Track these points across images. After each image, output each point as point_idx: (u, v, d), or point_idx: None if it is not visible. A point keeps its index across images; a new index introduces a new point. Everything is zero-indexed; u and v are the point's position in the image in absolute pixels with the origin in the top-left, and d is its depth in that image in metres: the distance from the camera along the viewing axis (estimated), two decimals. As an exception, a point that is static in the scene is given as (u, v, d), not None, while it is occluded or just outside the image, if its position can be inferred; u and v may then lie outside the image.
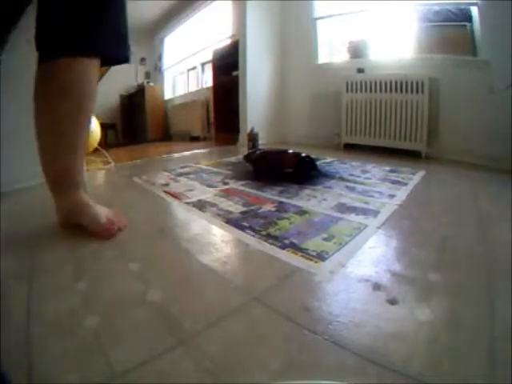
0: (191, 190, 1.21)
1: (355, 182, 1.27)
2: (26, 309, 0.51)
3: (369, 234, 0.77)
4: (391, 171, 1.52)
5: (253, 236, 0.78)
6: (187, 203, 1.05)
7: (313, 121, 3.08)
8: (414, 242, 0.74)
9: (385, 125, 2.48)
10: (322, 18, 3.05)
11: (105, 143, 3.59)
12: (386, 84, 2.44)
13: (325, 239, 0.74)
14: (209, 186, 1.27)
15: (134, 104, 5.32)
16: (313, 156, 1.50)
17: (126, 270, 0.64)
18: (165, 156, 2.40)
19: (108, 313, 0.50)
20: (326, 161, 1.87)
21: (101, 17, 0.70)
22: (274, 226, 0.83)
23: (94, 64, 0.73)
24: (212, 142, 3.56)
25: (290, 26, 3.16)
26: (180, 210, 1.03)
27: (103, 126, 3.53)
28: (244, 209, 0.97)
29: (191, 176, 1.48)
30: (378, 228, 0.81)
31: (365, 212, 0.91)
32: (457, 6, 2.43)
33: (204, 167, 1.70)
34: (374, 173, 1.47)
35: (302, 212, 0.92)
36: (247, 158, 1.59)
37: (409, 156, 2.24)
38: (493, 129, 2.03)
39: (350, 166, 1.65)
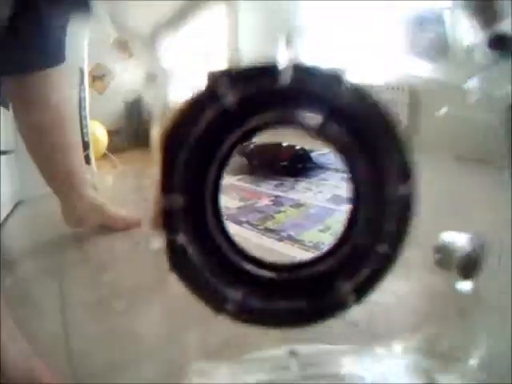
0: None
1: None
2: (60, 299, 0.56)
3: None
4: None
5: (251, 230, 0.80)
6: None
7: None
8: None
9: None
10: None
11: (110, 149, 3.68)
12: None
13: (321, 231, 0.76)
14: None
15: (136, 110, 5.59)
16: (307, 147, 1.52)
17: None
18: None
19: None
20: (321, 152, 1.89)
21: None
22: (271, 219, 0.85)
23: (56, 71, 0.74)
24: None
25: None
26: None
27: (109, 132, 3.61)
28: (241, 204, 0.99)
29: None
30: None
31: None
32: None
33: None
34: None
35: (298, 205, 0.94)
36: (241, 151, 1.60)
37: None
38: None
39: None
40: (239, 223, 0.83)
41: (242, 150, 1.63)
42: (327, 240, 0.70)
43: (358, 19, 2.05)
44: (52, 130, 0.75)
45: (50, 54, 0.78)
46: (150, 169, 0.25)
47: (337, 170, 1.37)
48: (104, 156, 2.95)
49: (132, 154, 4.28)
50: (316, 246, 0.67)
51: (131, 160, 3.17)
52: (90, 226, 0.83)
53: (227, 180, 1.31)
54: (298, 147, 1.43)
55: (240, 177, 1.34)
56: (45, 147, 0.77)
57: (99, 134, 3.37)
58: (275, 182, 1.22)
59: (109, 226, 0.83)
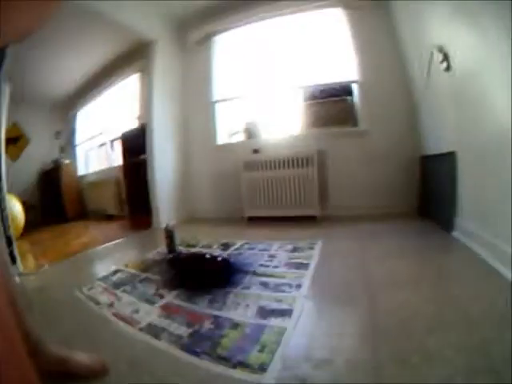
0: (137, 312, 1.37)
1: (266, 275, 1.65)
2: None
3: (289, 336, 1.10)
4: (293, 250, 2.02)
5: (209, 361, 1.02)
6: (141, 329, 1.22)
7: (217, 197, 3.61)
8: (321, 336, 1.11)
9: (282, 197, 3.10)
10: (219, 101, 3.65)
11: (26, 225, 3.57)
12: (279, 161, 3.05)
13: (260, 351, 1.04)
14: (148, 301, 1.46)
15: (50, 181, 5.25)
16: (225, 255, 1.89)
17: None
18: (90, 251, 2.57)
19: None
20: (236, 246, 2.25)
21: None
22: (219, 346, 1.08)
23: None
24: (127, 223, 3.94)
25: (191, 108, 3.73)
26: (140, 341, 1.16)
27: (25, 206, 3.53)
28: (189, 330, 1.19)
29: (127, 288, 1.64)
30: (294, 329, 1.14)
31: (282, 313, 1.24)
32: (339, 84, 3.22)
33: (133, 271, 1.89)
34: (279, 258, 1.91)
35: (234, 325, 1.20)
36: (171, 264, 1.84)
37: (306, 220, 2.91)
38: (375, 184, 2.94)
39: (258, 252, 2.08)
40: (197, 355, 1.05)
41: (171, 261, 1.86)
42: (267, 360, 1.00)
43: (274, 96, 3.58)
44: None
45: None
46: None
47: (255, 273, 1.72)
48: (23, 235, 2.97)
49: (50, 230, 4.06)
50: (261, 368, 0.96)
51: (50, 237, 3.24)
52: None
53: (167, 297, 1.49)
54: (219, 258, 1.75)
55: (176, 292, 1.54)
56: None
57: (16, 211, 3.27)
58: (208, 297, 1.46)
59: (75, 374, 0.93)
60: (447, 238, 1.94)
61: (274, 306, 1.32)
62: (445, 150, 2.08)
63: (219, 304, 1.39)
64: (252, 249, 2.18)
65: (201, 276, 1.61)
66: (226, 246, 2.29)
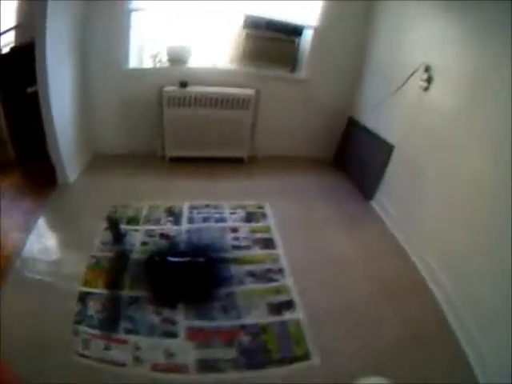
0: (171, 355, 1.44)
1: (246, 261, 1.96)
2: None
3: (304, 324, 1.62)
4: (248, 219, 2.36)
5: (275, 366, 1.43)
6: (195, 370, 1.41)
7: (129, 131, 2.94)
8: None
9: (209, 137, 2.81)
10: (136, 10, 2.52)
11: None
12: (210, 100, 2.62)
13: (297, 344, 1.53)
14: (166, 334, 1.53)
15: None
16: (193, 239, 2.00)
17: None
18: None
19: None
20: (185, 214, 2.35)
21: None
22: (271, 351, 1.48)
23: None
24: (18, 176, 2.68)
25: (98, 15, 2.43)
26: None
27: None
28: (234, 349, 1.48)
29: (128, 325, 1.56)
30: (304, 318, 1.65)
31: (287, 305, 1.71)
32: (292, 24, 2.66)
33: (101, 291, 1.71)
34: (242, 233, 2.21)
35: (263, 329, 1.57)
36: (150, 271, 1.77)
37: (232, 162, 2.98)
38: (301, 131, 3.09)
39: (215, 224, 2.29)
40: (263, 366, 1.42)
41: (148, 268, 1.81)
42: (305, 348, 1.52)
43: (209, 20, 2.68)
44: None
45: None
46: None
47: (236, 260, 1.96)
48: None
49: None
50: (307, 356, 1.50)
51: None
52: None
53: (181, 322, 1.59)
54: (201, 259, 1.84)
55: (179, 311, 1.62)
56: None
57: None
58: (218, 306, 1.67)
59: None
60: (366, 205, 2.66)
61: (277, 299, 1.76)
62: (381, 134, 2.48)
63: (234, 312, 1.66)
64: (201, 214, 2.35)
65: (196, 285, 1.73)
66: (174, 217, 2.27)
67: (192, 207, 2.45)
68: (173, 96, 2.60)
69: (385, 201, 2.49)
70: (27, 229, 2.05)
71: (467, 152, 1.72)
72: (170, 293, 1.71)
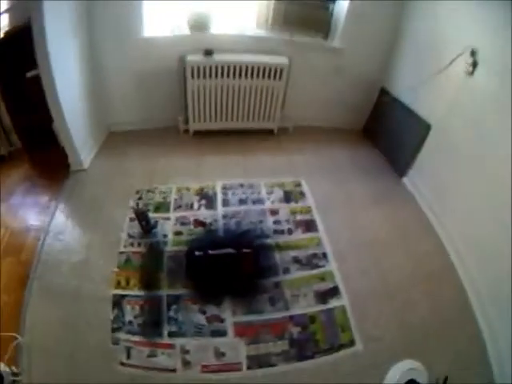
0: (222, 354, 1.41)
1: (290, 247, 1.85)
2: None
3: (349, 310, 1.60)
4: (287, 199, 2.19)
5: (325, 355, 1.43)
6: (249, 368, 1.38)
7: (146, 105, 2.66)
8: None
9: (237, 109, 2.56)
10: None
11: None
12: (240, 69, 2.33)
13: (342, 331, 1.52)
14: (214, 333, 1.47)
15: None
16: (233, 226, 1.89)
17: None
18: None
19: None
20: (220, 197, 2.17)
21: None
22: (319, 342, 1.48)
23: None
24: (29, 166, 2.38)
25: None
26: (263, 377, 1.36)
27: None
28: (286, 342, 1.46)
29: (172, 328, 1.48)
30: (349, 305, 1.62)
31: (332, 292, 1.66)
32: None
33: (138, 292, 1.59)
34: (282, 215, 2.06)
35: (312, 319, 1.55)
36: (192, 266, 1.64)
37: (262, 134, 2.75)
38: (332, 100, 2.85)
39: (253, 207, 2.12)
40: (312, 357, 1.43)
41: (190, 263, 1.69)
42: (350, 334, 1.52)
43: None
44: None
45: None
46: None
47: (278, 246, 1.86)
48: None
49: None
50: (352, 342, 1.50)
51: None
52: None
53: (228, 319, 1.55)
54: (245, 250, 1.71)
55: (225, 307, 1.57)
56: None
57: None
58: (266, 298, 1.62)
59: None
60: (399, 182, 2.51)
61: (323, 287, 1.70)
62: (418, 111, 2.32)
63: (281, 303, 1.61)
64: (236, 195, 2.16)
65: (241, 278, 1.63)
66: (207, 200, 2.08)
67: (225, 188, 2.24)
68: (197, 65, 2.28)
69: (417, 179, 2.40)
70: (45, 227, 1.84)
71: (507, 141, 1.58)
72: (214, 288, 1.61)
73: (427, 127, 2.21)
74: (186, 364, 1.39)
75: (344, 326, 1.57)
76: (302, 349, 1.47)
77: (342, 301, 1.67)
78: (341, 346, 1.50)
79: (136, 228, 1.83)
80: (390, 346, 1.52)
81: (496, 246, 1.62)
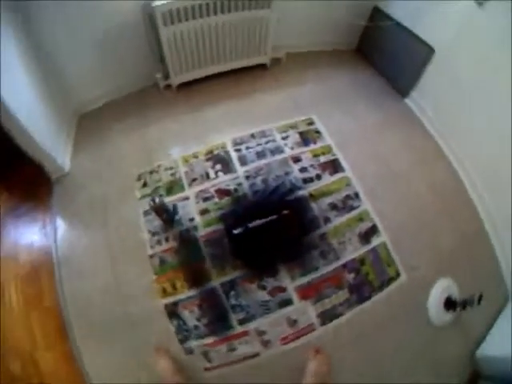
0: (295, 321, 1.40)
1: (323, 194, 1.73)
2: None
3: (388, 238, 1.67)
4: (305, 142, 1.94)
5: (379, 292, 1.54)
6: (323, 324, 1.42)
7: (114, 70, 2.13)
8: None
9: (223, 48, 2.08)
10: None
11: None
12: (221, 4, 1.81)
13: (388, 266, 1.60)
14: (281, 304, 1.42)
15: None
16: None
17: None
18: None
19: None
20: (235, 164, 1.80)
21: None
22: (373, 281, 1.56)
23: None
24: (6, 200, 1.74)
25: None
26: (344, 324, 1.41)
27: None
28: (346, 290, 1.50)
29: (243, 314, 1.37)
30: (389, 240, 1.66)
31: (372, 231, 1.66)
32: None
33: (190, 293, 1.38)
34: (305, 161, 1.84)
35: (362, 262, 1.58)
36: (240, 246, 1.45)
37: (254, 70, 2.31)
38: (323, 20, 2.46)
39: (272, 159, 1.83)
40: (369, 298, 1.52)
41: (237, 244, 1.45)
42: (396, 267, 1.64)
43: None
44: None
45: None
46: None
47: (311, 196, 1.74)
48: None
49: None
50: (398, 273, 1.63)
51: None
52: None
53: (289, 286, 1.50)
54: (285, 211, 1.55)
55: (283, 274, 1.51)
56: None
57: None
58: (317, 253, 1.58)
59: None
60: (403, 103, 2.33)
61: (364, 227, 1.68)
62: (420, 34, 2.12)
63: (331, 254, 1.58)
64: (251, 148, 1.84)
65: (289, 241, 1.48)
66: (222, 164, 1.75)
67: (236, 143, 1.87)
68: (169, 10, 1.66)
69: (421, 101, 2.31)
70: (53, 258, 1.42)
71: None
72: (266, 260, 1.47)
73: (431, 50, 2.07)
74: (266, 343, 1.34)
75: (388, 261, 1.63)
76: (360, 292, 1.52)
77: (382, 237, 1.69)
78: (390, 280, 1.58)
79: (155, 221, 1.48)
80: (426, 271, 1.64)
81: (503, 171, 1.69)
